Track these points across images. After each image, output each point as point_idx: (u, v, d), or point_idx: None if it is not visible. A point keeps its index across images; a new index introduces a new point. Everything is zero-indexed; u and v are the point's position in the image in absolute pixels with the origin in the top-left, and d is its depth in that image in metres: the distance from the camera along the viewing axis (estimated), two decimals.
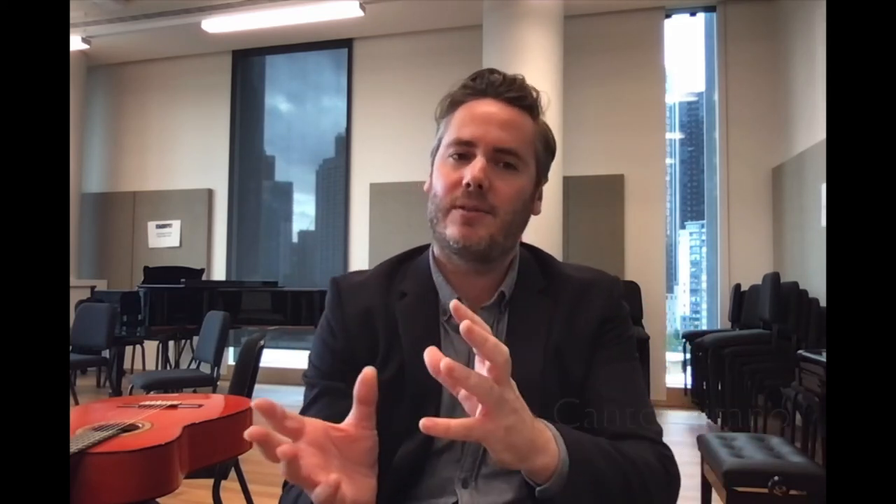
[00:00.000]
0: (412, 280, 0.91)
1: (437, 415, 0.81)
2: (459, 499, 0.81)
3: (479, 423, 0.61)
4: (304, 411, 0.87)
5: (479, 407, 0.61)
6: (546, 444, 0.67)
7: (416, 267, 0.92)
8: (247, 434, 0.60)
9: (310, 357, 0.92)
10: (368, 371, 0.66)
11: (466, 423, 0.60)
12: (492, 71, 0.86)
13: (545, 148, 0.89)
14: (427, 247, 0.94)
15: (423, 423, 0.58)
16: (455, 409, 0.81)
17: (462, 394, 0.62)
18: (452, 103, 0.87)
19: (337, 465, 0.64)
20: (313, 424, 0.64)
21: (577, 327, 0.86)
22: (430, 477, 0.82)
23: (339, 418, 0.68)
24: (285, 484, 0.84)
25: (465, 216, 0.81)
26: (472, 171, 0.80)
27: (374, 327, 0.87)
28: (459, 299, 0.84)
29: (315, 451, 0.63)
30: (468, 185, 0.80)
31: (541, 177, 0.89)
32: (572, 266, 0.94)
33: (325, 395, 0.86)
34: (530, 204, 0.88)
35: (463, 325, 0.58)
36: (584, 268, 0.94)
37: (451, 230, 0.82)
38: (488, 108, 0.84)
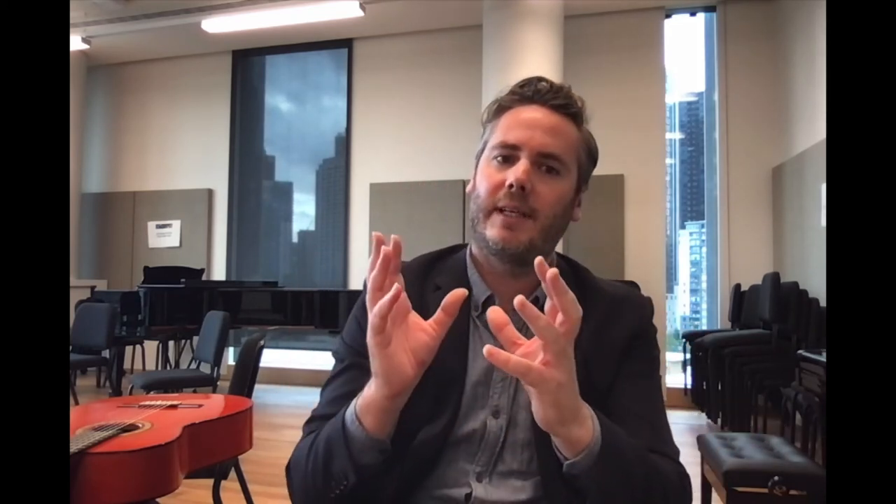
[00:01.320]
0: (447, 275, 0.92)
1: (459, 402, 0.85)
2: (473, 491, 0.82)
3: (538, 368, 0.64)
4: (328, 381, 0.90)
5: (540, 356, 0.65)
6: (586, 419, 0.70)
7: (453, 264, 0.95)
8: (374, 234, 0.71)
9: (342, 336, 0.94)
10: (461, 291, 0.71)
11: (525, 362, 0.64)
12: (540, 79, 0.89)
13: (588, 155, 0.91)
14: (462, 246, 0.97)
15: (487, 349, 0.63)
16: (477, 399, 0.85)
17: (520, 351, 0.67)
18: (499, 108, 0.89)
19: (399, 335, 0.71)
20: (404, 297, 0.71)
21: (606, 339, 0.87)
22: (447, 466, 0.83)
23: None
24: (310, 420, 0.87)
25: (506, 220, 0.83)
26: (516, 172, 0.82)
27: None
28: (491, 297, 0.89)
29: (394, 303, 0.69)
30: (511, 185, 0.82)
31: (581, 184, 0.91)
32: (607, 281, 0.96)
33: (352, 368, 0.88)
34: (570, 210, 0.90)
35: (517, 300, 0.62)
36: (618, 284, 0.96)
37: (492, 232, 0.84)
38: (534, 113, 0.86)
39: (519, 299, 0.63)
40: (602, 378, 0.85)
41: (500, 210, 0.84)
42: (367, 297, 0.71)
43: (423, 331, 0.72)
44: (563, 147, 0.86)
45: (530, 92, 0.87)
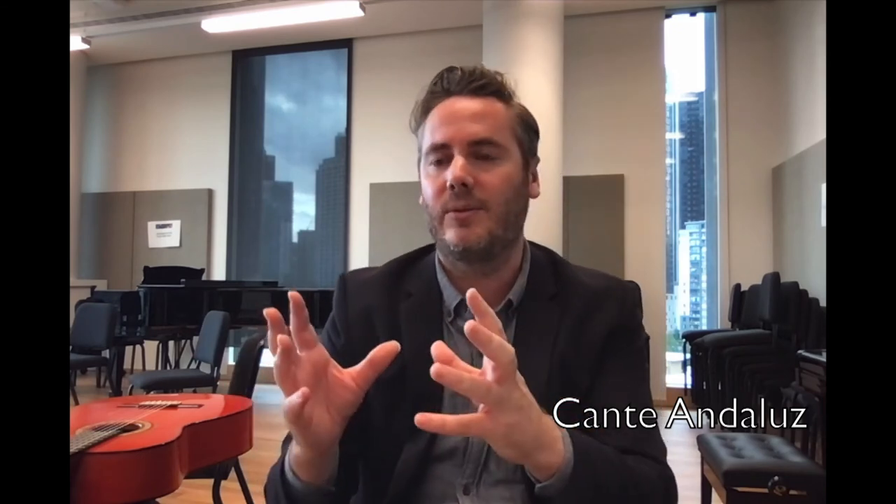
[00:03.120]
0: (418, 280, 0.90)
1: (440, 408, 0.81)
2: None
3: (478, 420, 0.60)
4: None
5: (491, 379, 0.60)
6: (553, 442, 0.66)
7: (424, 267, 0.92)
8: (266, 311, 0.64)
9: None
10: (392, 345, 0.68)
11: (463, 420, 0.60)
12: (451, 69, 0.85)
13: (525, 129, 0.86)
14: (433, 247, 0.94)
15: (419, 418, 0.58)
16: (456, 411, 0.80)
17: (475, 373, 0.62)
18: (423, 111, 0.86)
19: (318, 397, 0.67)
20: (321, 351, 0.68)
21: (585, 338, 0.84)
22: (432, 482, 0.81)
23: None
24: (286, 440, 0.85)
25: (458, 217, 0.80)
26: (453, 171, 0.79)
27: (374, 326, 0.87)
28: (463, 300, 0.85)
29: (309, 369, 0.67)
30: (452, 186, 0.79)
31: (528, 158, 0.87)
32: (587, 272, 0.91)
33: None
34: (524, 189, 0.86)
35: (468, 326, 0.58)
36: (599, 274, 0.91)
37: (450, 234, 0.81)
38: (454, 105, 0.82)
39: (471, 293, 0.61)
40: (582, 379, 0.82)
41: (450, 211, 0.81)
42: (276, 379, 0.66)
43: (346, 388, 0.69)
44: (494, 128, 0.82)
45: (446, 84, 0.84)
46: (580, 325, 0.84)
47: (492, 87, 0.84)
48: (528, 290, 0.87)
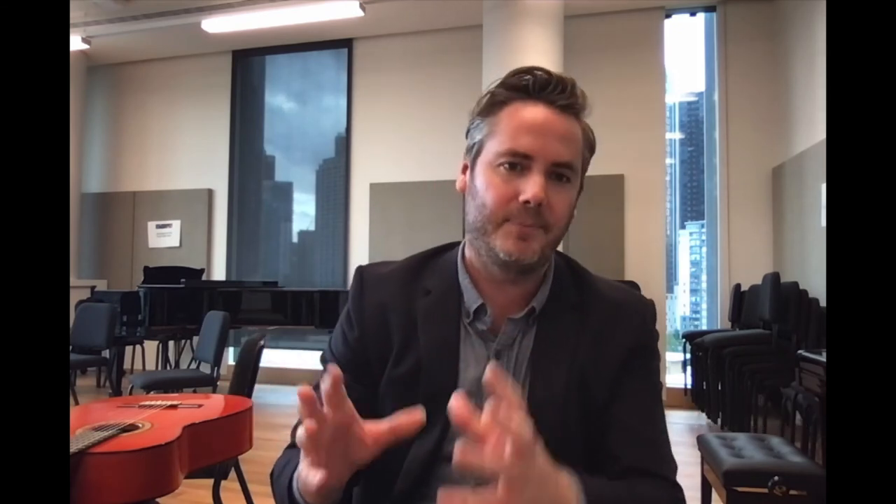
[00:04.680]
0: (438, 278, 0.89)
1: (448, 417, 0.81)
2: None
3: (499, 501, 0.56)
4: (315, 388, 0.87)
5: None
6: (569, 502, 0.64)
7: (444, 264, 0.90)
8: (300, 392, 0.62)
9: (329, 343, 0.92)
10: (418, 417, 0.66)
11: (486, 501, 0.56)
12: (539, 69, 0.82)
13: (589, 150, 0.86)
14: (456, 244, 0.92)
15: (441, 494, 0.55)
16: (477, 396, 0.80)
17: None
18: (497, 102, 0.82)
19: (336, 449, 0.66)
20: (349, 409, 0.66)
21: (605, 351, 0.84)
22: (441, 482, 0.81)
23: None
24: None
25: (521, 231, 0.79)
26: (534, 189, 0.77)
27: (388, 323, 0.86)
28: (483, 306, 0.85)
29: (333, 431, 0.65)
30: (527, 202, 0.77)
31: (583, 182, 0.86)
32: (607, 283, 0.91)
33: None
34: (573, 210, 0.85)
35: (488, 373, 0.56)
36: (618, 287, 0.91)
37: (504, 243, 0.79)
38: (541, 115, 0.80)
39: (490, 373, 0.57)
40: (600, 392, 0.82)
41: (514, 223, 0.79)
42: (300, 446, 0.67)
43: (366, 445, 0.68)
44: (575, 154, 0.81)
45: (532, 87, 0.80)
46: (601, 338, 0.84)
47: (577, 108, 0.82)
48: (550, 298, 0.87)
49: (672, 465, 0.82)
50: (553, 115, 0.80)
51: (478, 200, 0.82)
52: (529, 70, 0.82)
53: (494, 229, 0.80)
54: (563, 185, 0.81)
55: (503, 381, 0.57)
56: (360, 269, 0.92)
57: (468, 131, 0.86)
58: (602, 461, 0.80)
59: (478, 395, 0.81)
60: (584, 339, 0.84)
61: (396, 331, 0.85)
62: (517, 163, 0.79)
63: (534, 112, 0.80)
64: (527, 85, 0.81)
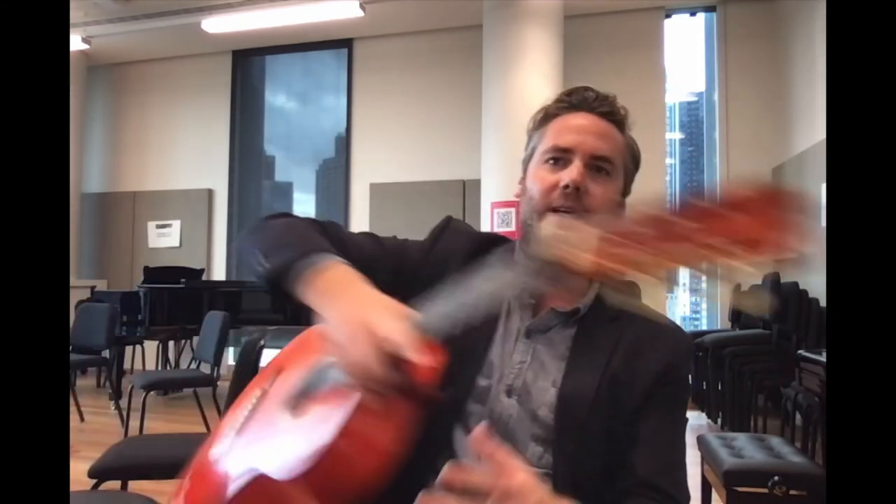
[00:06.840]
0: (497, 256, 0.92)
1: (478, 370, 0.85)
2: None
3: None
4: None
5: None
6: None
7: (505, 250, 0.95)
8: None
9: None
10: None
11: None
12: (586, 88, 0.91)
13: (633, 162, 0.93)
14: (504, 240, 0.98)
15: (420, 499, 0.63)
16: (494, 367, 0.86)
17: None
18: (546, 116, 0.92)
19: None
20: None
21: (639, 365, 0.85)
22: (456, 454, 0.82)
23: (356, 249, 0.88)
24: None
25: (562, 221, 0.83)
26: (571, 173, 0.85)
27: (445, 273, 0.88)
28: (535, 303, 0.89)
29: None
30: (566, 186, 0.84)
31: (627, 189, 0.92)
32: (647, 307, 0.93)
33: (373, 238, 1.00)
34: (619, 210, 0.89)
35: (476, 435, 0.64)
36: (660, 314, 0.94)
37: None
38: (583, 120, 0.89)
39: (477, 435, 0.65)
40: (632, 400, 0.84)
41: (555, 210, 0.85)
42: None
43: None
44: (613, 150, 0.88)
45: (577, 100, 0.90)
46: (637, 352, 0.86)
47: (617, 116, 0.90)
48: (594, 304, 0.90)
49: (685, 493, 0.83)
50: (593, 119, 0.89)
51: (527, 196, 0.91)
52: (578, 88, 0.92)
53: (539, 219, 0.87)
54: (604, 177, 0.87)
55: (492, 445, 0.64)
56: (449, 217, 1.03)
57: (526, 147, 0.96)
58: (618, 470, 0.81)
59: (501, 361, 0.87)
60: (620, 349, 0.87)
61: (447, 284, 0.86)
62: (560, 157, 0.88)
63: (577, 118, 0.90)
64: (573, 98, 0.91)
